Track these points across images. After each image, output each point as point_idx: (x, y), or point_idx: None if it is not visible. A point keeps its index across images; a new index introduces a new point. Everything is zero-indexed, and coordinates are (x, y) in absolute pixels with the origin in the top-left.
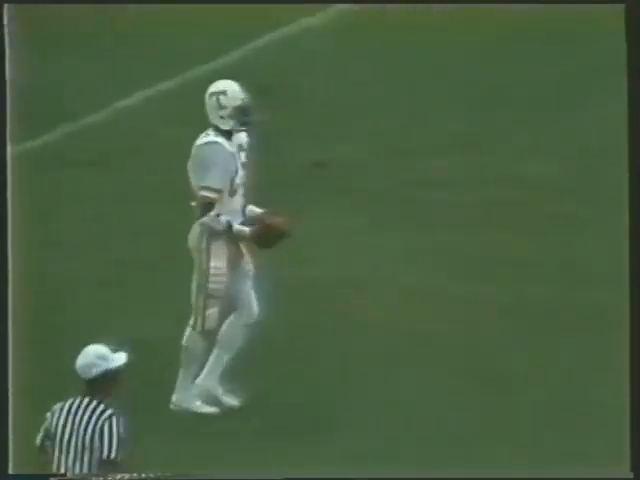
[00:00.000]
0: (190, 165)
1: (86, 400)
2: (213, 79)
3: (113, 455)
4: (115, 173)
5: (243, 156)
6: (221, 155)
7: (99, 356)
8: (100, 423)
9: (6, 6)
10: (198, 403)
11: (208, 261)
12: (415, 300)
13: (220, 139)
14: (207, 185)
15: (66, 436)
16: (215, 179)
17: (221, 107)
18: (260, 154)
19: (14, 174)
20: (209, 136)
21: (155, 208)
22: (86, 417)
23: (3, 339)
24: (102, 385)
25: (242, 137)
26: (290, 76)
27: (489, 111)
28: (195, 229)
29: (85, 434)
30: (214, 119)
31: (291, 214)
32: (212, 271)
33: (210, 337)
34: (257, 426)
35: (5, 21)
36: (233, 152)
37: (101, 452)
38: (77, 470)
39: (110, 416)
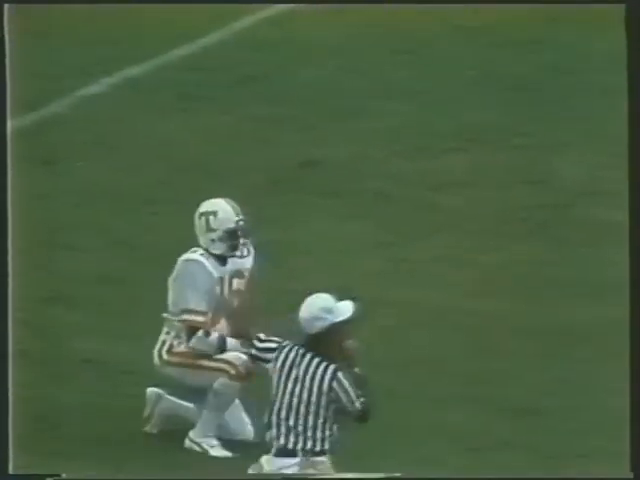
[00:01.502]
0: (170, 281)
1: (308, 356)
2: (188, 64)
3: (357, 406)
4: (77, 172)
5: (237, 283)
6: (200, 276)
7: (324, 309)
8: (327, 383)
9: (6, 6)
10: (214, 443)
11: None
12: (420, 319)
13: (203, 259)
14: (190, 308)
15: (287, 394)
16: (198, 301)
17: (210, 229)
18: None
19: None
20: (195, 253)
21: (124, 212)
22: (309, 376)
23: (3, 340)
24: (327, 340)
25: (242, 263)
26: (276, 65)
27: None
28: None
29: (311, 394)
30: (204, 242)
31: (277, 220)
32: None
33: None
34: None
35: (5, 21)
36: (219, 277)
37: (345, 409)
38: (307, 425)
39: (334, 372)
